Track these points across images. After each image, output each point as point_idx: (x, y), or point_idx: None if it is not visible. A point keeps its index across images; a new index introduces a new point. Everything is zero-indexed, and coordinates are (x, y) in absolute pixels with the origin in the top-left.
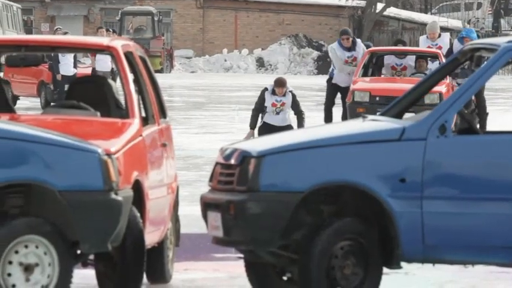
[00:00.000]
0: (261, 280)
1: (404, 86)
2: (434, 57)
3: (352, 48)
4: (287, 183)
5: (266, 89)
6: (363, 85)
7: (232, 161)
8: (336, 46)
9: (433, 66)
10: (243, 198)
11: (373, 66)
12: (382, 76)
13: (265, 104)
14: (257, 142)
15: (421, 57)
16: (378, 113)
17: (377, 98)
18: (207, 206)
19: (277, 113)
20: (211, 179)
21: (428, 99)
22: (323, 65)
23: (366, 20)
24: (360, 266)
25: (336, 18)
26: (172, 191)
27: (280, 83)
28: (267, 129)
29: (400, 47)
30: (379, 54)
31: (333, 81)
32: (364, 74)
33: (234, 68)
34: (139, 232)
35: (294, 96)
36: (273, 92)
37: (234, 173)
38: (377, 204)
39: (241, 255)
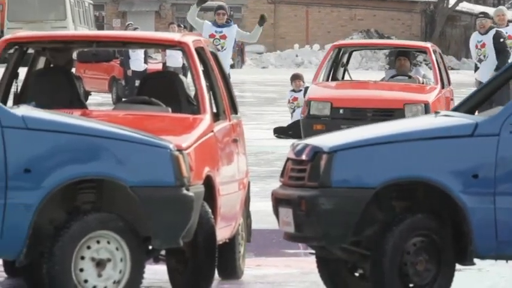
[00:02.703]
0: (333, 276)
1: (377, 94)
2: (422, 52)
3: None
4: (359, 179)
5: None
6: (323, 93)
7: (304, 157)
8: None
9: (422, 69)
10: (315, 194)
11: (336, 67)
12: (354, 80)
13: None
14: (329, 138)
15: (403, 53)
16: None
17: (340, 111)
18: (278, 201)
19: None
20: (282, 175)
21: (409, 111)
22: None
23: (438, 15)
24: (433, 262)
25: (408, 14)
26: (244, 186)
27: (295, 76)
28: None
29: (371, 40)
30: (348, 49)
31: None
32: (330, 76)
33: (306, 64)
34: (211, 228)
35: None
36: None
37: (306, 169)
38: (449, 200)
39: (313, 251)
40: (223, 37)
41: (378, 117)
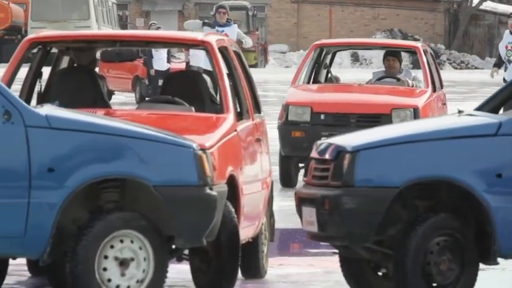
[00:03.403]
0: (356, 275)
1: (362, 98)
2: (412, 52)
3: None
4: (382, 178)
5: None
6: (302, 97)
7: (327, 156)
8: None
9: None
10: (338, 194)
11: (318, 68)
12: (336, 83)
13: None
14: (352, 137)
15: (392, 53)
16: (323, 138)
17: (322, 117)
18: (301, 201)
19: None
20: (305, 174)
21: (397, 117)
22: (418, 59)
23: (462, 14)
24: (456, 262)
25: (432, 13)
26: (267, 186)
27: None
28: None
29: (356, 39)
30: (331, 49)
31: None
32: (311, 79)
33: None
34: (234, 227)
35: None
36: None
37: (329, 168)
38: (473, 200)
39: (336, 251)
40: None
41: (362, 123)
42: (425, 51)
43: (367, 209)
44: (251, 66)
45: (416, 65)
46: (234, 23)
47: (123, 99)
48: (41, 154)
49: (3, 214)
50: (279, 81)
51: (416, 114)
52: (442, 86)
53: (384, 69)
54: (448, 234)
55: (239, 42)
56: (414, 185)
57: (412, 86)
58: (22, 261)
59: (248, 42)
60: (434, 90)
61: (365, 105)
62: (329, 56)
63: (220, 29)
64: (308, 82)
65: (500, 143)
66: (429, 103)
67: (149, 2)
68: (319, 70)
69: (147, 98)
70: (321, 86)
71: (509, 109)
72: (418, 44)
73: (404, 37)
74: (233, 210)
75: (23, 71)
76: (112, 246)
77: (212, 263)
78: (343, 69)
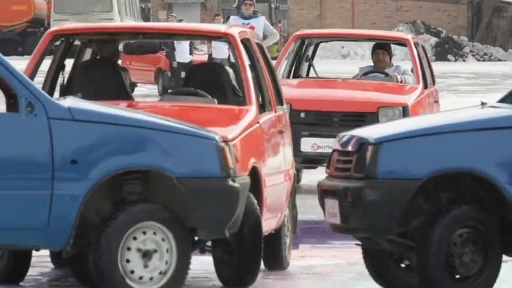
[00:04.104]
0: (379, 267)
1: (346, 94)
2: (401, 44)
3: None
4: (405, 170)
5: None
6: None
7: (350, 148)
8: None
9: (402, 64)
10: (361, 186)
11: (298, 61)
12: (319, 78)
13: None
14: (374, 129)
15: (381, 46)
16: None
17: (302, 115)
18: (324, 193)
19: None
20: (328, 166)
21: (384, 116)
22: (441, 51)
23: (485, 6)
24: (479, 254)
25: (455, 5)
26: (290, 177)
27: None
28: None
29: (340, 30)
30: (313, 40)
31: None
32: (292, 73)
33: (352, 55)
34: (257, 219)
35: None
36: None
37: (352, 160)
38: (496, 192)
39: (359, 242)
40: (251, 28)
41: (346, 122)
42: (416, 44)
43: (390, 200)
44: (273, 58)
45: (439, 56)
46: (261, 15)
47: (145, 91)
48: (64, 146)
49: (26, 206)
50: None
51: (405, 112)
52: (434, 82)
53: (372, 63)
54: (471, 226)
55: (264, 37)
56: (437, 177)
57: (401, 82)
58: (45, 252)
59: (274, 38)
60: (425, 86)
61: (349, 102)
62: (311, 48)
63: (246, 21)
64: (288, 76)
65: None
66: (420, 101)
67: None
68: (300, 63)
69: (169, 90)
70: (301, 81)
71: None
72: (408, 36)
73: (427, 29)
74: (256, 202)
75: (46, 64)
76: (135, 238)
77: (235, 255)
78: (366, 61)
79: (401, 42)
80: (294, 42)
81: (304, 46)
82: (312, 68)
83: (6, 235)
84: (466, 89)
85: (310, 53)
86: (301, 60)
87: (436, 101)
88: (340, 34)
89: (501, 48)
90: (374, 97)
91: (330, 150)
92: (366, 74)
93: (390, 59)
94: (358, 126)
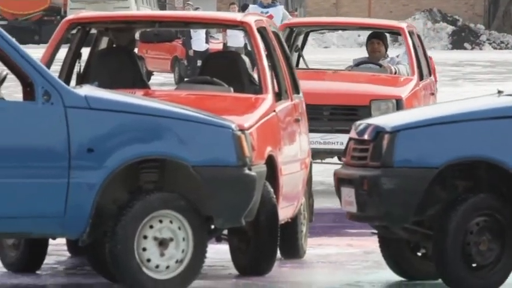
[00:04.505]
0: (395, 256)
1: (336, 87)
2: (395, 33)
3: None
4: (421, 159)
5: None
6: None
7: (366, 137)
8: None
9: (400, 54)
10: (377, 174)
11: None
12: (309, 69)
13: None
14: (391, 117)
15: (377, 35)
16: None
17: None
18: (340, 181)
19: None
20: (344, 155)
21: (377, 109)
22: (458, 39)
23: None
24: (496, 242)
25: None
26: (306, 166)
27: None
28: None
29: (330, 19)
30: (302, 30)
31: None
32: None
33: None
34: (273, 207)
35: None
36: None
37: (368, 149)
38: None
39: (375, 231)
40: (270, 17)
41: (337, 116)
42: (411, 33)
43: (407, 189)
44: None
45: (456, 45)
46: (280, 4)
47: (162, 79)
48: (80, 134)
49: (43, 194)
50: (318, 62)
51: (399, 106)
52: (430, 73)
53: (367, 54)
54: (488, 214)
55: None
56: (454, 165)
57: (395, 73)
58: (62, 241)
59: None
60: (421, 78)
61: (340, 95)
62: (301, 38)
63: (264, 10)
64: None
65: None
66: (415, 93)
67: None
68: (290, 53)
69: (186, 79)
70: None
71: None
72: (403, 24)
73: (444, 17)
74: (272, 190)
75: (62, 52)
76: (151, 227)
77: (251, 243)
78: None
79: (396, 31)
80: (282, 32)
81: (293, 35)
82: (301, 59)
83: (23, 223)
84: (482, 78)
85: (299, 42)
86: (290, 51)
87: (433, 93)
88: (330, 23)
89: None
90: (366, 89)
91: (320, 146)
92: (358, 65)
93: (386, 50)
94: (349, 121)
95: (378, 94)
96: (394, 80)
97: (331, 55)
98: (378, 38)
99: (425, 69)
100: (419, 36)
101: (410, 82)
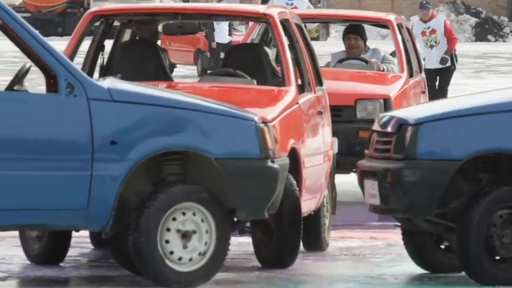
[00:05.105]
0: (418, 248)
1: None
2: (382, 26)
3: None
4: (445, 151)
5: None
6: None
7: (389, 129)
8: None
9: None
10: (400, 166)
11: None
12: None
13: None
14: (414, 110)
15: (354, 29)
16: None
17: None
18: (363, 174)
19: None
20: (368, 147)
21: (363, 110)
22: (481, 31)
23: None
24: None
25: None
26: (329, 158)
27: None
28: None
29: (310, 11)
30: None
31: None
32: None
33: (391, 36)
34: (296, 200)
35: None
36: None
37: (391, 141)
38: None
39: (398, 223)
40: (295, 8)
41: None
42: (399, 26)
43: (430, 181)
44: (313, 39)
45: (479, 37)
46: None
47: (185, 72)
48: (104, 127)
49: (66, 187)
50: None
51: (387, 105)
52: (421, 70)
53: (345, 49)
54: (511, 207)
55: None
56: (477, 158)
57: (383, 70)
58: (85, 233)
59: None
60: (411, 75)
61: None
62: None
63: (289, 1)
64: None
65: None
66: (404, 92)
67: None
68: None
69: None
70: None
71: None
72: (391, 17)
73: (467, 9)
74: (295, 183)
75: (86, 44)
76: (174, 219)
77: (274, 236)
78: None
79: (383, 24)
80: (258, 24)
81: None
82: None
83: (46, 216)
84: (506, 70)
85: None
86: (267, 46)
87: (424, 92)
88: (311, 15)
89: None
90: (351, 88)
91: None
92: (341, 61)
93: (365, 43)
94: (333, 122)
95: (363, 93)
96: (381, 78)
97: None
98: (354, 33)
99: (415, 66)
100: (408, 30)
101: (399, 79)
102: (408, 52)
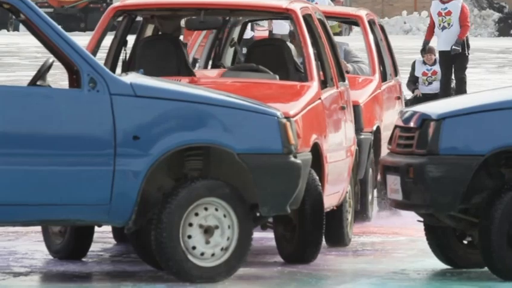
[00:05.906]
0: (441, 244)
1: None
2: (352, 23)
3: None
4: (467, 147)
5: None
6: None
7: (412, 124)
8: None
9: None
10: (423, 162)
11: (223, 45)
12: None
13: (416, 74)
14: (436, 105)
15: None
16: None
17: None
18: (386, 169)
19: (430, 83)
20: (390, 142)
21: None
22: (504, 26)
23: None
24: None
25: None
26: (351, 154)
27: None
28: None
29: None
30: (239, 20)
31: None
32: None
33: (414, 31)
34: (319, 195)
35: None
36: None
37: (414, 136)
38: None
39: (421, 219)
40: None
41: None
42: (371, 23)
43: (452, 177)
44: (335, 34)
45: (502, 32)
46: None
47: None
48: (126, 122)
49: (89, 182)
50: (363, 49)
51: (356, 113)
52: (396, 73)
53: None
54: None
55: None
56: (500, 153)
57: (353, 73)
58: (107, 228)
59: None
60: (383, 79)
61: None
62: (237, 29)
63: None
64: (205, 66)
65: None
66: (376, 97)
67: None
68: (223, 49)
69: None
70: (222, 72)
71: None
72: (361, 13)
73: (490, 4)
74: (317, 178)
75: (108, 39)
76: (196, 214)
77: (296, 231)
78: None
79: (353, 20)
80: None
81: (228, 26)
82: (238, 55)
83: (69, 211)
84: None
85: (236, 35)
86: (225, 45)
87: (399, 97)
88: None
89: None
90: None
91: None
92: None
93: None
94: None
95: None
96: (350, 81)
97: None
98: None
99: (389, 68)
100: (382, 28)
101: (370, 84)
102: (381, 52)
